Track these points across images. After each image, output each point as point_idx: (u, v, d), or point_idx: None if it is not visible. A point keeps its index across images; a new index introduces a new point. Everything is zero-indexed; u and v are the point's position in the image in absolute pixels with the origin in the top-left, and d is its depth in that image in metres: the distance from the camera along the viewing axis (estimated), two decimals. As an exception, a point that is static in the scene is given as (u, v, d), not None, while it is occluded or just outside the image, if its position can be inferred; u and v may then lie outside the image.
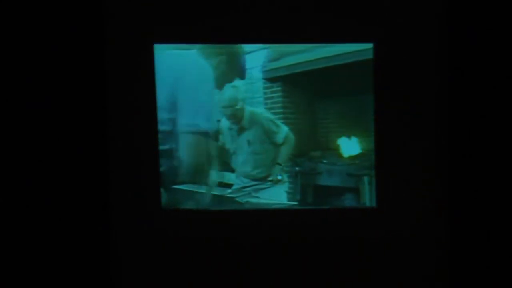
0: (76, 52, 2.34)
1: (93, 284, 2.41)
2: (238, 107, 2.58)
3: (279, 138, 2.58)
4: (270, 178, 2.58)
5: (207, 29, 2.43)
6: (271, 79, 2.56)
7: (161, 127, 2.47)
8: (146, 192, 2.47)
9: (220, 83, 2.56)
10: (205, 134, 2.58)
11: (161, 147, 2.48)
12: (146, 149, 2.45)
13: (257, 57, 2.54)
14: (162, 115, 2.48)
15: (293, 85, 2.57)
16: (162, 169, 2.48)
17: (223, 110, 2.59)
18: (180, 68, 2.55)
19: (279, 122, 2.57)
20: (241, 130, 2.62)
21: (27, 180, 2.32)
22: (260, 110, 2.60)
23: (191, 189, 2.55)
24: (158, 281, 2.49)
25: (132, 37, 2.41)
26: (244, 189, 2.58)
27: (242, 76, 2.56)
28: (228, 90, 2.57)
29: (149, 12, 2.41)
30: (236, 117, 2.60)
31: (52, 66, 2.32)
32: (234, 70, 2.56)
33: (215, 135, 2.60)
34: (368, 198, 2.53)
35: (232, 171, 2.60)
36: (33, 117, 2.32)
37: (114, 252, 2.46)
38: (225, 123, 2.62)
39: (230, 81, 2.56)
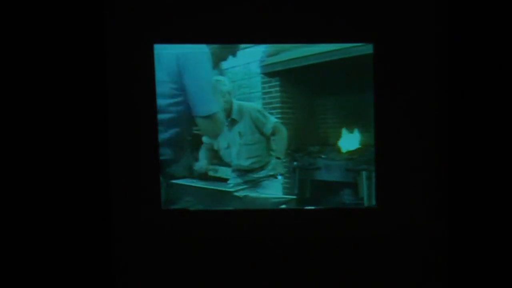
0: (76, 52, 2.40)
1: (93, 283, 2.46)
2: (224, 99, 2.60)
3: (267, 128, 2.58)
4: (266, 173, 2.59)
5: (207, 29, 2.46)
6: (269, 73, 2.57)
7: (164, 115, 2.54)
8: (146, 192, 2.53)
9: (215, 61, 2.57)
10: (207, 117, 2.61)
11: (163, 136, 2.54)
12: (146, 148, 2.51)
13: (255, 51, 2.54)
14: (165, 101, 2.54)
15: (291, 80, 2.56)
16: (164, 157, 2.55)
17: None
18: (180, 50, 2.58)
19: (267, 113, 2.57)
20: (232, 123, 2.63)
21: (27, 179, 2.39)
22: (248, 103, 2.60)
23: (190, 183, 2.61)
24: (158, 280, 2.55)
25: (132, 37, 2.47)
26: (241, 185, 2.61)
27: (234, 53, 2.55)
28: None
29: (149, 12, 2.46)
30: (224, 110, 2.61)
31: (52, 66, 2.38)
32: (228, 47, 2.55)
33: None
34: (366, 193, 2.50)
35: (227, 165, 2.62)
36: (33, 117, 2.38)
37: (114, 251, 2.52)
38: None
39: (224, 59, 2.56)
